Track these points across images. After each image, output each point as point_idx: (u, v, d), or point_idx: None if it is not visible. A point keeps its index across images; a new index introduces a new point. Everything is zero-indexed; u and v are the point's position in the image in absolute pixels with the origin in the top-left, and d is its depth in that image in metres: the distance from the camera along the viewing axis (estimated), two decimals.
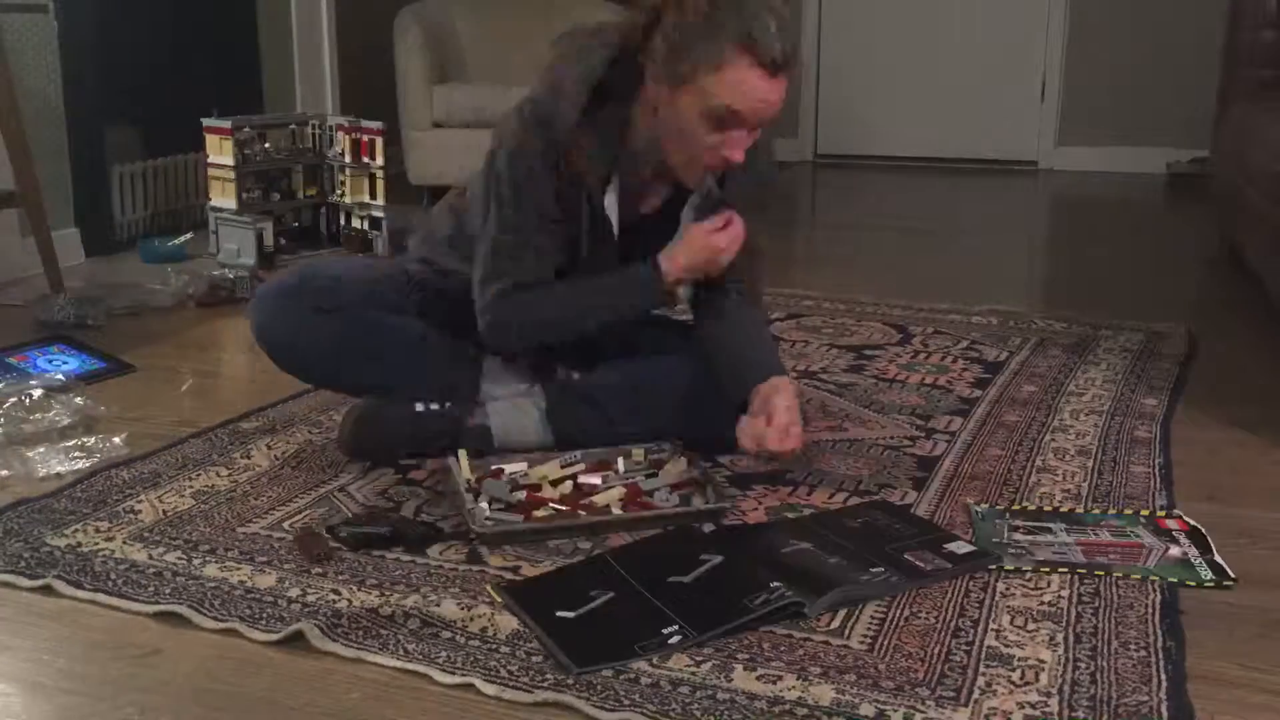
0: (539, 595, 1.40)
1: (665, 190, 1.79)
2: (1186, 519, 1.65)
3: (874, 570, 1.45)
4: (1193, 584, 1.46)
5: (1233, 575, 1.48)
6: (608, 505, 1.64)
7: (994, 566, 1.49)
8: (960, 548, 1.53)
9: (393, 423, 1.83)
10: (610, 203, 1.73)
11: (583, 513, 1.62)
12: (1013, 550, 1.55)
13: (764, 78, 1.55)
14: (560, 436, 1.83)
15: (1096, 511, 1.69)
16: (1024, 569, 1.49)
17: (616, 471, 1.75)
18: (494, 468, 1.75)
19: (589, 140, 1.66)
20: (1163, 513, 1.67)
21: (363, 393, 1.88)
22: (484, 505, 1.62)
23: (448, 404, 1.84)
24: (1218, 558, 1.53)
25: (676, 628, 1.31)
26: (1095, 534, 1.61)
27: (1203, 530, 1.61)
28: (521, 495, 1.66)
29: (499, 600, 1.39)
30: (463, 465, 1.72)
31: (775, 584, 1.38)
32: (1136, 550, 1.57)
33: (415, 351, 1.86)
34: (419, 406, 1.83)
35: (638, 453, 1.79)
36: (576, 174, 1.68)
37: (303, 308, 1.81)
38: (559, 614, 1.35)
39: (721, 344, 1.81)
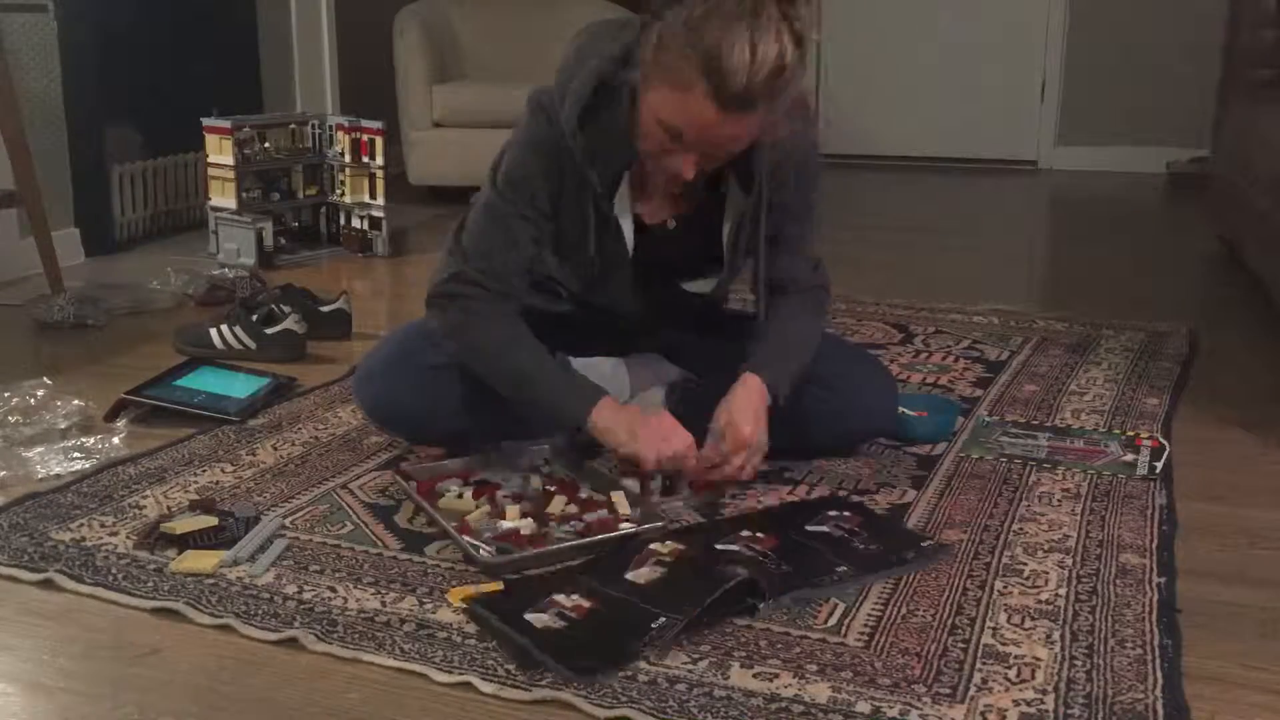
0: (504, 606, 1.36)
1: (697, 193, 1.71)
2: (1160, 438, 1.91)
3: (838, 570, 1.46)
4: (1123, 476, 1.77)
5: (1158, 474, 1.77)
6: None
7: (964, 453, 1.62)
8: (914, 550, 1.53)
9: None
10: (621, 205, 1.68)
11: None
12: (988, 445, 1.90)
13: (717, 111, 1.44)
14: None
15: (1089, 429, 1.99)
16: (985, 455, 1.85)
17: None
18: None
19: (594, 138, 1.62)
20: (1146, 434, 1.94)
21: (482, 436, 1.80)
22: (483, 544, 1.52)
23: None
24: (1159, 464, 1.80)
25: (664, 618, 1.31)
26: (1071, 442, 1.91)
27: (1167, 446, 1.87)
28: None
29: (465, 617, 1.36)
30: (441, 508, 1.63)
31: (740, 570, 1.41)
32: (1095, 454, 1.85)
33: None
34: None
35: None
36: (582, 174, 1.65)
37: (419, 369, 1.76)
38: (527, 616, 1.33)
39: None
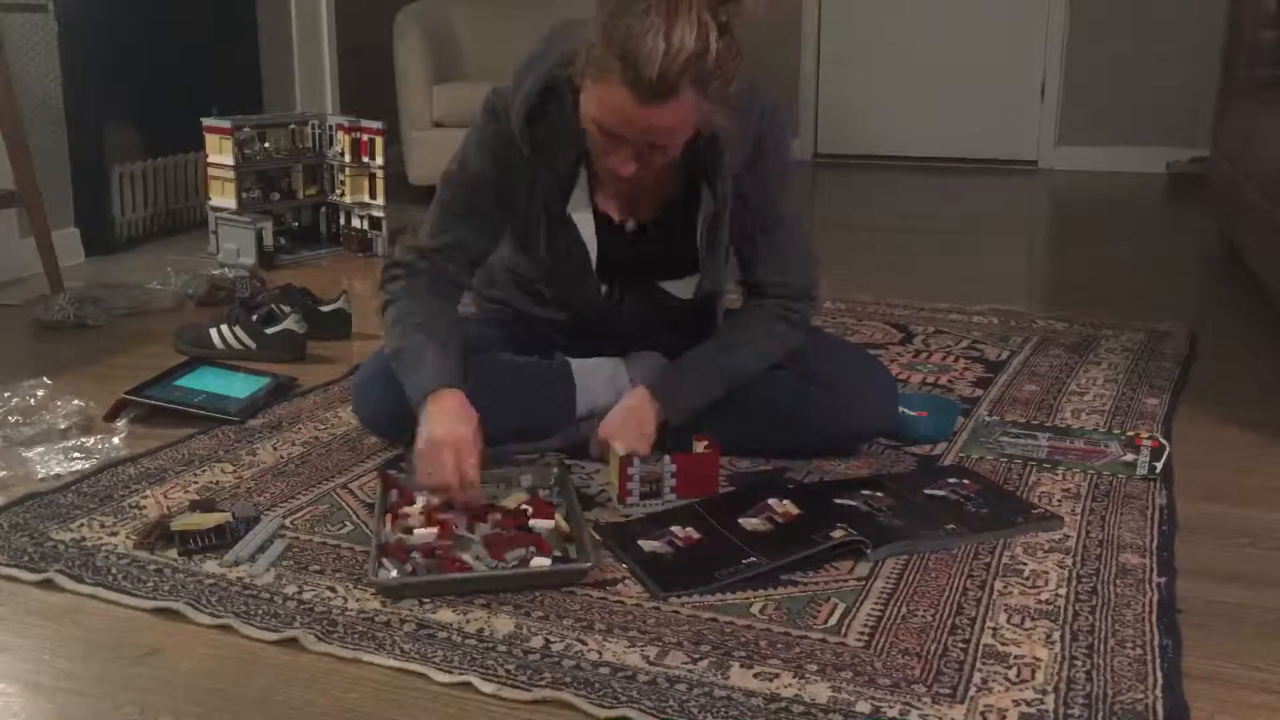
0: (628, 532, 1.57)
1: (671, 192, 1.71)
2: (1160, 439, 1.91)
3: (945, 528, 1.57)
4: (1123, 476, 1.77)
5: (1158, 474, 1.77)
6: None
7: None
8: (1024, 515, 1.63)
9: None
10: (579, 203, 1.69)
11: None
12: (988, 445, 1.90)
13: (634, 102, 1.43)
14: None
15: (1089, 429, 1.99)
16: (985, 455, 1.85)
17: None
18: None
19: (542, 137, 1.63)
20: (1146, 434, 1.94)
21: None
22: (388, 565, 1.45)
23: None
24: (1159, 464, 1.80)
25: (754, 558, 1.46)
26: (1071, 442, 1.91)
27: (1167, 446, 1.87)
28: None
29: (600, 539, 1.54)
30: (388, 524, 1.57)
31: (841, 524, 1.53)
32: (1095, 454, 1.86)
33: (518, 381, 1.79)
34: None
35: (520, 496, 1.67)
36: (533, 173, 1.66)
37: None
38: (640, 543, 1.52)
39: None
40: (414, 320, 1.70)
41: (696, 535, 1.55)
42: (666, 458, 1.67)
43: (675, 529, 1.56)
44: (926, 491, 1.69)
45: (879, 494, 1.66)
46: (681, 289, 1.79)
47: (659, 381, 1.75)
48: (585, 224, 1.71)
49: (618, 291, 1.80)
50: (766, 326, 1.79)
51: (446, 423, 1.57)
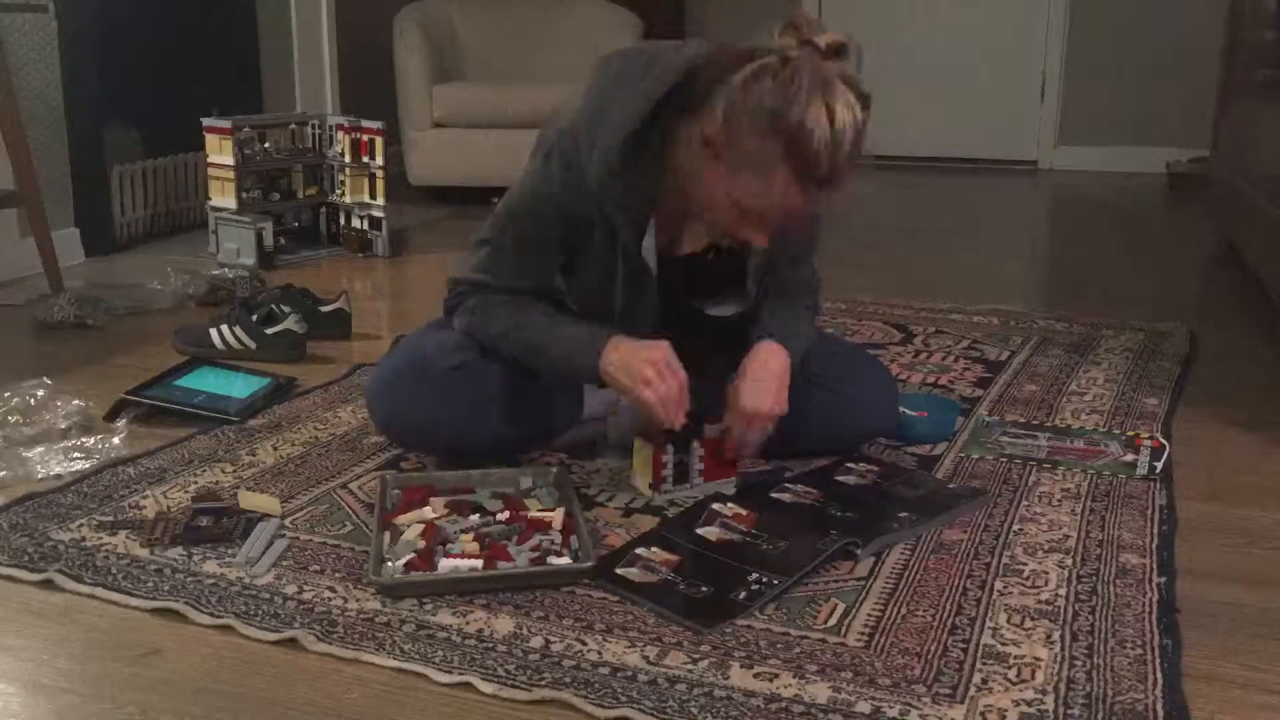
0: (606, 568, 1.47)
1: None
2: (1160, 438, 1.92)
3: (900, 517, 1.59)
4: (1123, 476, 1.77)
5: (1158, 474, 1.77)
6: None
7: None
8: (956, 490, 1.70)
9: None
10: (648, 246, 1.65)
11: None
12: (988, 445, 1.91)
13: (800, 190, 1.44)
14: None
15: (1089, 429, 2.00)
16: (985, 455, 1.87)
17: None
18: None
19: (626, 191, 1.57)
20: (1146, 434, 1.95)
21: (489, 449, 1.77)
22: (393, 562, 1.47)
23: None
24: (1159, 464, 1.80)
25: (756, 574, 1.44)
26: (1071, 442, 1.93)
27: (1167, 446, 1.87)
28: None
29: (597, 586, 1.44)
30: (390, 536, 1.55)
31: (833, 530, 1.53)
32: (1095, 454, 1.87)
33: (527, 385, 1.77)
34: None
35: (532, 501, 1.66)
36: (608, 223, 1.61)
37: (431, 377, 1.72)
38: (619, 571, 1.45)
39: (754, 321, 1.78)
40: (513, 308, 1.69)
41: (674, 557, 1.48)
42: (695, 442, 1.68)
43: (641, 551, 1.49)
44: (838, 479, 1.73)
45: (802, 489, 1.69)
46: (722, 309, 1.77)
47: (777, 333, 1.70)
48: (650, 257, 1.67)
49: (666, 315, 1.76)
50: (803, 307, 1.82)
51: (635, 354, 1.58)
